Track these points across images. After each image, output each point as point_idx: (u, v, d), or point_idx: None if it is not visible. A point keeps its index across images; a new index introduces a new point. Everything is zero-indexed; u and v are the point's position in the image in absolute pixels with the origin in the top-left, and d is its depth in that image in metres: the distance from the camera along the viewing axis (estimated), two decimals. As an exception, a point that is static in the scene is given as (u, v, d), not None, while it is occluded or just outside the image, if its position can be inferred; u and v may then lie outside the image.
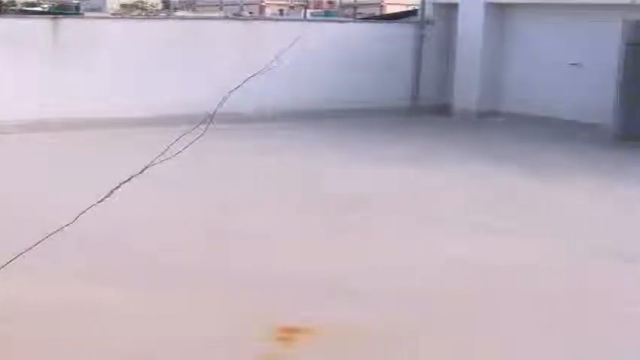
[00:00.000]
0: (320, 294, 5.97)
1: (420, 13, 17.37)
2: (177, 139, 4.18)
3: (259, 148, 12.33)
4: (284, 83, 13.85)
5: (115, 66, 13.86)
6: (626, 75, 13.64)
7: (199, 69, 14.37)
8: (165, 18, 24.28)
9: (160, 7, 47.56)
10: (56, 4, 34.67)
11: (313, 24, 18.06)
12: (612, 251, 7.34)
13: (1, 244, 5.65)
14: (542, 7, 16.14)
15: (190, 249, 7.10)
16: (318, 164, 11.23)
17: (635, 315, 5.87)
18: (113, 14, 32.61)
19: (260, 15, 51.33)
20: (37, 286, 5.85)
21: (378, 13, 45.34)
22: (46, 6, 33.76)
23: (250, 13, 48.29)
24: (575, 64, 15.13)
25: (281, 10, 60.48)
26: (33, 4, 34.63)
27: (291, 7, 61.96)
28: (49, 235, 4.20)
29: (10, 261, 4.06)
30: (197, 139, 4.24)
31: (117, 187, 4.08)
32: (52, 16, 15.83)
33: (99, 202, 4.15)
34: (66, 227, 4.26)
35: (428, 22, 17.09)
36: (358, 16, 37.31)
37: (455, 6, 16.86)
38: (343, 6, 54.79)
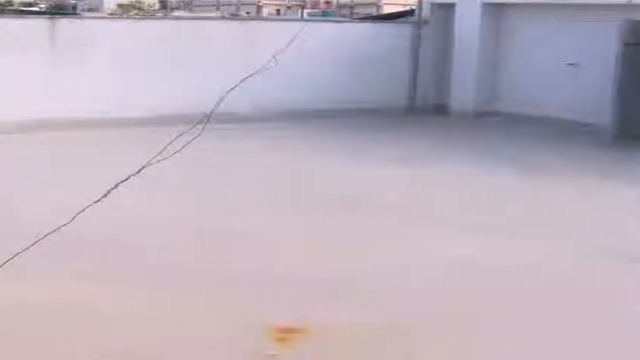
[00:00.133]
0: (322, 294, 5.97)
1: (417, 13, 17.38)
2: (174, 139, 4.18)
3: (256, 148, 12.34)
4: (281, 83, 13.84)
5: (111, 66, 13.85)
6: (624, 75, 13.64)
7: (196, 69, 14.37)
8: (162, 18, 24.24)
9: (157, 7, 47.51)
10: (53, 4, 34.61)
11: (310, 24, 18.02)
12: (614, 251, 7.35)
13: (-2, 244, 5.65)
14: (539, 7, 16.15)
15: (189, 249, 7.10)
16: (317, 164, 11.23)
17: (637, 315, 5.88)
18: (110, 14, 32.57)
19: (257, 15, 51.31)
20: (33, 286, 5.85)
21: (375, 13, 45.30)
22: (43, 6, 33.71)
23: (247, 13, 48.24)
24: (573, 64, 15.14)
25: (278, 10, 60.41)
26: (30, 4, 34.58)
27: (288, 7, 61.90)
28: (46, 235, 4.20)
29: (7, 261, 4.07)
30: (194, 139, 4.24)
31: (114, 187, 4.08)
32: (49, 16, 15.81)
33: (96, 202, 4.16)
34: (63, 227, 4.27)
35: (425, 22, 17.09)
36: (355, 16, 37.27)
37: (452, 6, 16.86)
38: (340, 6, 54.73)
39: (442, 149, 12.84)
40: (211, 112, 4.11)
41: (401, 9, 23.62)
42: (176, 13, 41.21)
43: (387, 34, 17.03)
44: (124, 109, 13.56)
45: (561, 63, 15.30)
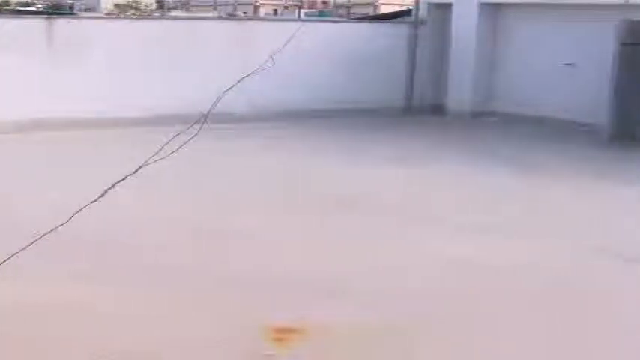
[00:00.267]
0: (319, 294, 5.97)
1: (414, 13, 17.39)
2: (171, 139, 4.18)
3: (253, 148, 12.34)
4: (278, 83, 13.83)
5: (108, 66, 13.84)
6: (621, 75, 13.65)
7: (193, 69, 14.37)
8: (159, 18, 24.26)
9: (154, 7, 47.51)
10: (50, 4, 34.60)
11: (307, 24, 18.02)
12: (611, 251, 7.35)
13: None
14: (536, 7, 16.16)
15: (187, 249, 7.09)
16: (313, 164, 11.22)
17: (634, 314, 5.89)
18: (107, 14, 32.57)
19: (254, 15, 51.32)
20: (30, 286, 5.84)
21: (372, 13, 45.34)
22: (40, 6, 33.71)
23: (244, 13, 48.27)
24: (570, 64, 15.15)
25: (275, 10, 60.46)
26: (27, 4, 34.58)
27: (285, 7, 61.94)
28: (43, 235, 4.20)
29: (4, 261, 4.07)
30: (191, 139, 4.24)
31: (111, 187, 4.08)
32: (46, 16, 15.80)
33: (93, 202, 4.16)
34: (60, 227, 4.26)
35: (422, 22, 17.10)
36: (352, 16, 37.29)
37: (449, 6, 16.87)
38: (337, 6, 54.78)
39: (439, 149, 12.85)
40: (208, 112, 4.11)
41: (398, 9, 23.64)
42: (173, 13, 41.26)
43: (384, 34, 17.04)
44: (121, 109, 13.56)
45: (558, 63, 15.32)
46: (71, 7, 35.59)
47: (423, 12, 17.18)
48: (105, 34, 14.31)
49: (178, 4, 56.55)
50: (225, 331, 5.24)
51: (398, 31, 17.13)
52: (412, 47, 16.94)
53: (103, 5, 45.44)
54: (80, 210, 4.15)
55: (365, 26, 18.14)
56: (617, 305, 6.11)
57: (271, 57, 4.21)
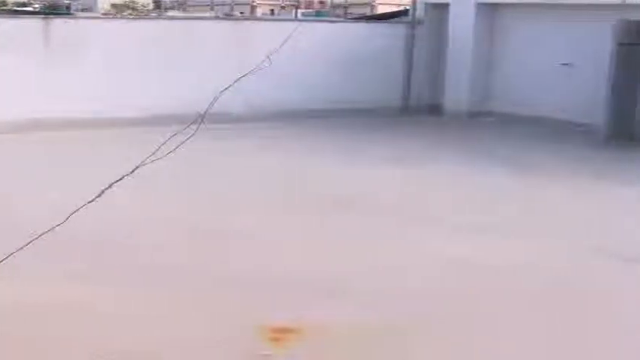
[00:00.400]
0: (318, 294, 5.96)
1: (411, 13, 17.40)
2: (168, 139, 4.18)
3: (250, 148, 12.33)
4: (274, 83, 13.82)
5: (105, 66, 13.83)
6: (618, 75, 13.67)
7: (190, 69, 14.36)
8: (156, 18, 24.20)
9: (150, 7, 47.45)
10: (47, 4, 34.54)
11: (304, 24, 18.01)
12: (609, 251, 7.36)
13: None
14: (533, 7, 16.16)
15: (184, 249, 7.09)
16: (310, 164, 11.22)
17: (634, 314, 5.89)
18: (104, 14, 32.52)
19: (251, 15, 51.28)
20: (27, 285, 5.83)
21: (369, 13, 45.30)
22: (37, 6, 33.65)
23: (241, 13, 48.22)
24: (567, 64, 15.16)
25: (272, 10, 60.39)
26: (24, 4, 34.52)
27: (282, 7, 61.87)
28: (40, 235, 4.20)
29: (2, 261, 4.06)
30: (188, 139, 4.24)
31: (108, 187, 4.08)
32: (43, 16, 15.77)
33: (90, 202, 4.15)
34: (57, 227, 4.26)
35: (419, 22, 17.11)
36: (349, 16, 37.26)
37: (446, 6, 16.87)
38: (334, 6, 54.73)
39: (436, 149, 12.85)
40: (205, 112, 4.11)
41: (395, 9, 23.68)
42: (170, 13, 41.18)
43: (381, 34, 17.03)
44: (117, 109, 13.55)
45: (555, 63, 15.32)
46: (68, 7, 35.47)
47: (420, 12, 17.19)
48: (102, 34, 14.30)
49: (175, 4, 56.47)
50: (225, 331, 5.24)
51: (395, 31, 17.14)
52: (409, 47, 16.95)
53: (99, 5, 45.35)
54: (77, 210, 4.14)
55: (362, 26, 18.14)
56: (617, 305, 6.11)
57: (268, 57, 4.21)
